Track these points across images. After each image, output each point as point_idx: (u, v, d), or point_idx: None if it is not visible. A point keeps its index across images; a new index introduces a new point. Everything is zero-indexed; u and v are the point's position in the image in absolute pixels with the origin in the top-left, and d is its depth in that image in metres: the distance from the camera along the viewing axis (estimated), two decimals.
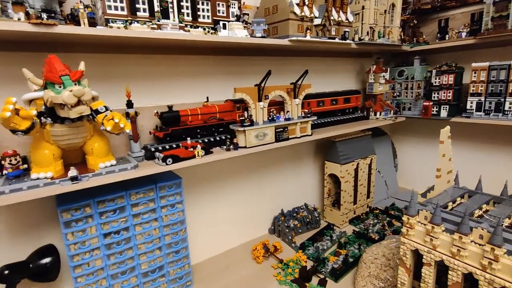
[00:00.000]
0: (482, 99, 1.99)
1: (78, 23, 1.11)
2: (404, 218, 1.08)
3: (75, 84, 0.99)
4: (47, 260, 1.24)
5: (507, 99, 1.88)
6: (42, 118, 1.01)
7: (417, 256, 1.09)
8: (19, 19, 0.94)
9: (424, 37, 2.38)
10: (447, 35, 2.22)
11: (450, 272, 0.96)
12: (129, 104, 1.30)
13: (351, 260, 1.72)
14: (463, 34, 2.10)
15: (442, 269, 1.03)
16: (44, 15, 0.97)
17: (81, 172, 1.11)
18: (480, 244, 0.90)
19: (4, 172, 1.05)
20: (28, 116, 0.92)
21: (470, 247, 0.91)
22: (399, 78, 2.46)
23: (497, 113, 1.93)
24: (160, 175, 1.49)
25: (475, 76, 2.00)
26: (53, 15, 1.01)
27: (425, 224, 1.02)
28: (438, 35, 2.29)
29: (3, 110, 0.85)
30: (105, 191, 1.29)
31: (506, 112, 1.89)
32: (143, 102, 1.46)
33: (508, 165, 2.21)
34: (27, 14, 0.97)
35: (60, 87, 0.96)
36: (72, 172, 1.06)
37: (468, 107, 2.06)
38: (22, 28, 0.91)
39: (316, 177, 2.42)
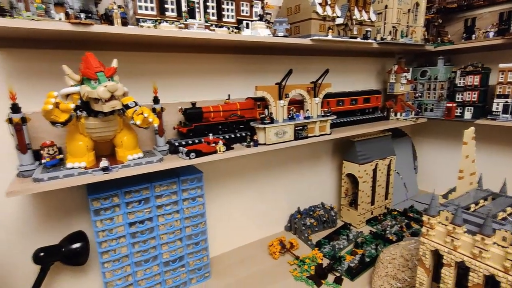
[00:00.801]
0: (509, 101, 1.93)
1: (111, 23, 1.18)
2: (424, 218, 1.08)
3: (109, 80, 1.05)
4: (77, 245, 1.32)
5: None
6: (78, 111, 1.08)
7: (437, 257, 1.09)
8: (60, 19, 1.01)
9: (449, 36, 2.33)
10: (473, 35, 2.17)
11: (471, 273, 0.95)
12: (156, 100, 1.36)
13: (367, 259, 1.71)
14: (491, 34, 2.05)
15: (461, 271, 1.03)
16: (82, 15, 1.04)
17: (111, 163, 1.18)
18: (503, 246, 0.89)
19: (42, 161, 1.13)
20: (67, 109, 0.99)
21: (493, 248, 0.90)
22: (422, 79, 2.41)
23: None
24: (183, 169, 1.55)
25: (502, 77, 1.94)
26: (90, 15, 1.08)
27: (445, 225, 1.02)
28: (464, 34, 2.23)
29: (45, 103, 0.93)
30: (131, 182, 1.36)
31: None
32: (167, 99, 1.52)
33: None
34: (66, 15, 1.04)
35: (95, 82, 1.02)
36: (104, 163, 1.13)
37: (494, 109, 2.00)
38: (63, 27, 0.98)
39: (334, 177, 2.42)
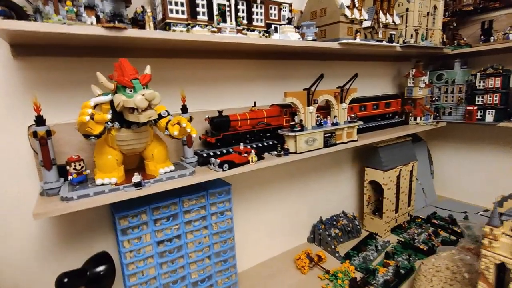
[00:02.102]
0: None
1: (141, 27, 1.10)
2: (486, 229, 1.01)
3: (144, 88, 0.97)
4: (102, 267, 1.21)
5: None
6: (109, 122, 0.99)
7: (500, 271, 1.01)
8: (92, 23, 0.93)
9: (464, 39, 2.31)
10: (491, 37, 2.15)
11: None
12: (184, 109, 1.28)
13: (402, 271, 1.63)
14: (511, 36, 2.03)
15: None
16: (116, 20, 0.96)
17: (143, 178, 1.08)
18: None
19: (69, 177, 1.03)
20: (102, 121, 0.90)
21: None
22: (438, 82, 2.38)
23: None
24: (209, 181, 1.46)
25: None
26: (121, 18, 1.00)
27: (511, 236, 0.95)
28: (482, 37, 2.21)
29: (81, 114, 0.84)
30: (158, 197, 1.27)
31: None
32: (192, 107, 1.44)
33: None
34: (97, 18, 0.96)
35: (130, 91, 0.94)
36: (136, 178, 1.04)
37: None
38: (96, 32, 0.90)
39: (354, 184, 2.35)
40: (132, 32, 0.97)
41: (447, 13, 2.32)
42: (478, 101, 2.16)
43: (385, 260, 1.76)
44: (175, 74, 1.39)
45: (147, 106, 0.95)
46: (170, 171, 1.16)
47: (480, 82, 2.14)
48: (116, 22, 0.95)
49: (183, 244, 1.35)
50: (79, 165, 1.04)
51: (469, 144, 2.57)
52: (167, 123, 1.06)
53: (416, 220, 2.24)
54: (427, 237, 1.99)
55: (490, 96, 2.10)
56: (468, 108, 2.18)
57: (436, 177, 2.80)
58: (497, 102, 2.08)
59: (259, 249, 1.85)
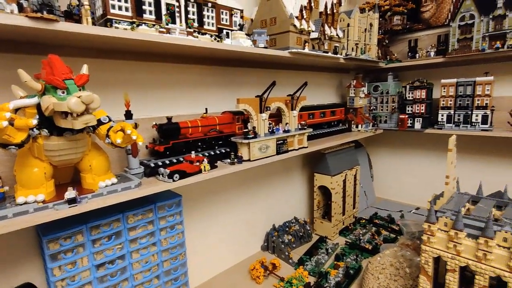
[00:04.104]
0: (452, 112, 2.18)
1: (75, 21, 0.97)
2: (425, 225, 1.10)
3: (80, 90, 0.85)
4: None
5: (473, 112, 2.08)
6: (34, 129, 0.84)
7: (436, 263, 1.11)
8: (12, 12, 0.79)
9: (395, 55, 2.58)
10: (417, 54, 2.43)
11: (477, 276, 0.98)
12: (128, 115, 1.16)
13: (351, 272, 1.71)
14: (432, 54, 2.32)
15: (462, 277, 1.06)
16: (44, 10, 0.83)
17: (78, 192, 0.94)
18: (504, 247, 0.94)
19: None
20: (25, 127, 0.76)
21: (496, 250, 0.95)
22: (374, 93, 2.60)
23: (466, 124, 2.12)
24: (157, 193, 1.35)
25: (444, 91, 2.19)
26: (51, 9, 0.87)
27: (447, 231, 1.05)
28: (409, 53, 2.49)
29: None
30: (98, 214, 1.12)
31: (473, 124, 2.09)
32: (138, 113, 1.32)
33: (483, 170, 2.40)
34: (20, 7, 0.82)
35: (63, 92, 0.81)
36: (70, 193, 0.89)
37: (439, 119, 2.24)
38: (18, 22, 0.76)
39: (304, 190, 2.42)
40: (66, 26, 0.84)
41: (380, 31, 2.56)
42: (408, 110, 2.41)
43: (335, 262, 1.82)
44: (119, 77, 1.26)
45: (84, 111, 0.82)
46: (112, 184, 1.03)
47: (409, 94, 2.40)
48: (45, 12, 0.81)
49: (127, 265, 1.21)
50: None
51: (402, 149, 2.85)
52: (108, 130, 0.94)
53: (361, 221, 2.38)
54: (371, 236, 2.13)
55: (418, 106, 2.36)
56: (400, 116, 2.42)
57: (375, 180, 3.04)
58: (423, 111, 2.34)
59: (212, 262, 1.77)
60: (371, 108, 2.63)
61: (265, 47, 1.48)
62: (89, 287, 1.11)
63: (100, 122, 0.95)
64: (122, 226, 1.17)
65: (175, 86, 1.48)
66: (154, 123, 1.30)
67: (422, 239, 1.11)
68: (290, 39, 1.56)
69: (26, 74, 0.78)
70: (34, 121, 0.77)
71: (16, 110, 0.86)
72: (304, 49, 1.61)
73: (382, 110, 2.59)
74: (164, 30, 1.09)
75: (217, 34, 1.33)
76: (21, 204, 0.85)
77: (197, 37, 1.20)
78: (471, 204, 1.26)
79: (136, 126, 1.17)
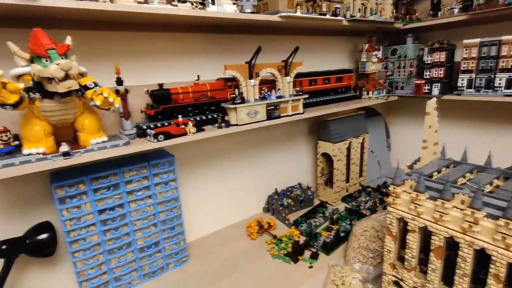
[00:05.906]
0: (473, 76, 2.00)
1: None
2: (390, 188, 1.11)
3: (62, 58, 0.99)
4: (43, 236, 1.27)
5: (497, 75, 1.89)
6: (30, 93, 1.01)
7: (404, 224, 1.13)
8: None
9: (417, 14, 2.37)
10: (439, 12, 2.21)
11: (433, 237, 1.00)
12: (119, 81, 1.30)
13: (342, 234, 1.77)
14: (455, 11, 2.09)
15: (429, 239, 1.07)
16: None
17: (73, 148, 1.12)
18: (461, 209, 0.93)
19: None
20: (16, 90, 0.92)
21: (452, 212, 0.94)
22: (392, 57, 2.45)
23: (487, 89, 1.94)
24: (153, 153, 1.51)
25: (466, 53, 2.00)
26: None
27: (410, 193, 1.05)
28: (431, 12, 2.27)
29: None
30: (98, 168, 1.31)
31: (495, 88, 1.91)
32: (133, 81, 1.46)
33: (495, 139, 2.23)
34: None
35: (46, 61, 0.96)
36: (64, 147, 1.07)
37: (459, 84, 2.07)
38: (5, 0, 0.90)
39: (310, 157, 2.45)
40: (49, 2, 0.96)
41: None
42: (426, 75, 2.25)
43: (329, 225, 1.89)
44: (113, 47, 1.39)
45: (65, 76, 0.97)
46: (103, 141, 1.20)
47: (428, 57, 2.22)
48: None
49: (126, 213, 1.41)
50: (6, 136, 1.06)
51: (420, 117, 2.69)
52: (92, 94, 1.08)
53: (367, 189, 2.38)
54: (373, 204, 2.13)
55: (436, 70, 2.19)
56: (416, 82, 2.28)
57: (393, 149, 2.94)
58: (442, 76, 2.17)
59: (212, 219, 1.95)
60: (388, 73, 2.49)
61: (252, 12, 1.49)
62: (93, 227, 1.33)
63: (86, 88, 1.09)
64: (120, 179, 1.36)
65: (169, 55, 1.58)
66: (146, 89, 1.43)
67: (387, 200, 1.13)
68: (280, 2, 1.54)
69: (15, 46, 0.93)
70: (22, 85, 0.94)
71: (18, 78, 1.04)
72: (295, 12, 1.58)
73: (399, 75, 2.44)
74: (142, 0, 1.17)
75: (200, 1, 1.37)
76: (26, 155, 1.04)
77: (176, 5, 1.26)
78: (452, 169, 1.22)
79: (126, 91, 1.32)
